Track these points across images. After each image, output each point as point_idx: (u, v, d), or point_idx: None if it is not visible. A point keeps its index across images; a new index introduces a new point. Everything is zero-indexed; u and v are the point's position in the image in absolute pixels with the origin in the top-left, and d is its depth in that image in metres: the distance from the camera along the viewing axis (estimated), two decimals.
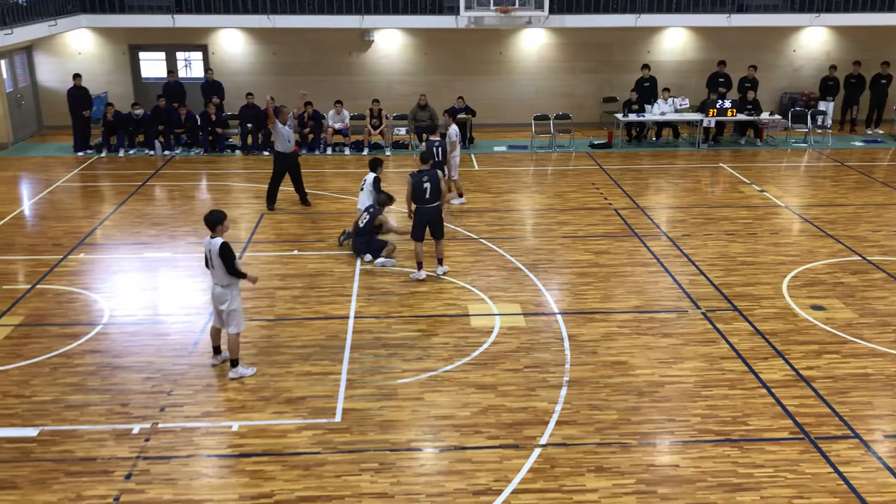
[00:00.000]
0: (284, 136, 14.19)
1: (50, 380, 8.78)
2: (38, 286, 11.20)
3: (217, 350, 9.15)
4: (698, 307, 10.70)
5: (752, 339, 9.82)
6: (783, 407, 8.33)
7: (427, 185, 11.19)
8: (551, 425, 8.00)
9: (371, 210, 12.44)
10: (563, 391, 8.62)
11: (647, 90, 20.18)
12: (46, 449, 7.57)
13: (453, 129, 14.91)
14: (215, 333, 9.13)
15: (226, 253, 8.49)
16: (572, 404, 8.37)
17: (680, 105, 19.90)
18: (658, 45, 21.59)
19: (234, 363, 8.88)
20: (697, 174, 17.41)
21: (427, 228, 11.43)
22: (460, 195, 15.21)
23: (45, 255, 12.36)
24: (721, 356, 9.40)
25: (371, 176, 12.82)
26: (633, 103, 19.84)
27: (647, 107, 19.85)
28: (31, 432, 7.82)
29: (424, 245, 11.61)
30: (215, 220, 8.61)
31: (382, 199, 12.62)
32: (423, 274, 11.54)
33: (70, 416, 8.09)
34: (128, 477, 7.17)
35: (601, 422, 8.07)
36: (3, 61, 18.94)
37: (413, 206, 11.43)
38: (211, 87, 19.48)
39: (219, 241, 8.54)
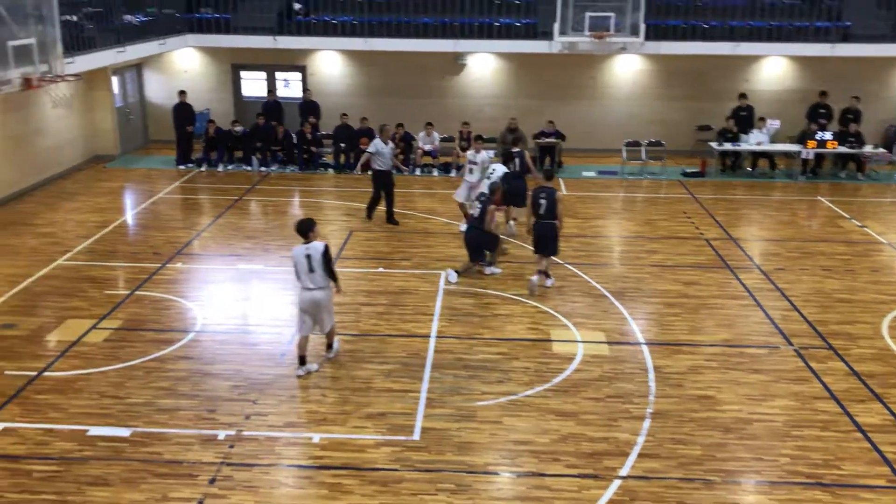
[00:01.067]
0: (385, 154, 14.63)
1: (143, 383, 9.12)
2: (136, 292, 11.69)
3: (302, 360, 9.34)
4: (791, 344, 10.33)
5: (847, 379, 9.40)
6: (880, 453, 7.93)
7: (543, 202, 11.68)
8: (633, 457, 7.83)
9: (482, 199, 12.50)
10: (647, 423, 8.43)
11: (743, 119, 19.71)
12: (137, 449, 7.86)
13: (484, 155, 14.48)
14: (304, 343, 9.35)
15: (328, 254, 9.09)
16: (655, 437, 8.18)
17: (770, 125, 19.35)
18: (756, 73, 21.08)
19: (330, 346, 9.70)
20: (794, 207, 16.86)
21: (539, 244, 11.94)
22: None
23: (144, 262, 12.90)
24: (814, 396, 9.03)
25: (501, 168, 13.62)
26: (728, 132, 19.40)
27: (743, 136, 19.37)
28: (124, 432, 8.14)
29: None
30: (307, 227, 9.17)
31: (495, 185, 12.91)
32: (548, 282, 12.08)
33: (160, 419, 8.38)
34: (212, 482, 7.37)
35: (685, 456, 7.86)
36: (115, 78, 19.96)
37: (532, 221, 11.94)
38: (308, 106, 20.03)
39: (321, 244, 9.13)
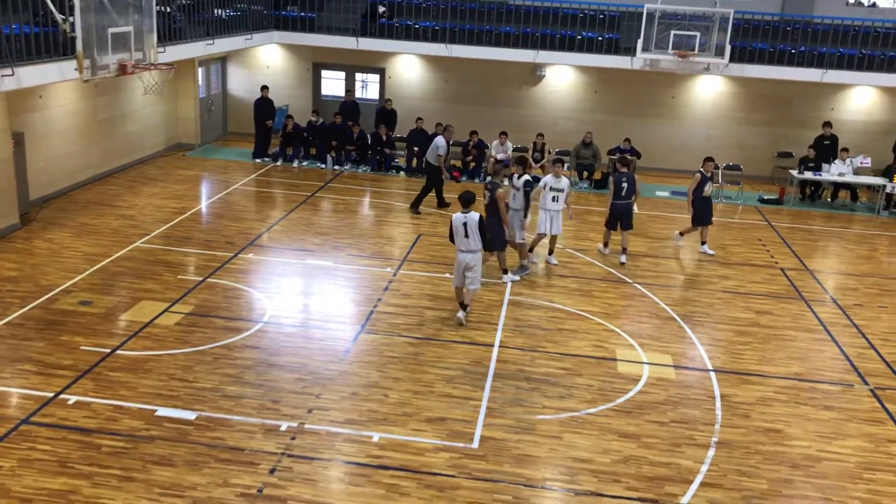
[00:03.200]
0: (434, 148, 16.07)
1: (211, 368, 9.30)
2: (208, 280, 11.94)
3: (463, 306, 10.92)
4: (866, 382, 9.98)
5: None
6: None
7: (625, 184, 13.62)
8: (695, 485, 7.66)
9: (489, 185, 12.59)
10: (711, 452, 8.24)
11: (826, 148, 19.17)
12: (201, 433, 8.01)
13: (520, 181, 13.14)
14: (458, 292, 11.03)
15: (482, 224, 10.63)
16: (720, 467, 7.99)
17: (861, 163, 18.76)
18: (843, 102, 20.49)
19: (464, 307, 10.97)
20: (875, 241, 16.31)
21: (619, 221, 13.81)
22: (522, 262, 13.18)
23: (217, 251, 13.17)
24: (888, 438, 8.70)
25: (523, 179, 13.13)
26: (810, 161, 18.89)
27: (825, 166, 18.84)
28: (190, 415, 8.30)
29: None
30: (471, 199, 10.67)
31: (498, 168, 12.96)
32: (606, 249, 14.26)
33: (226, 406, 8.53)
34: (272, 471, 7.46)
35: (749, 489, 7.64)
36: (200, 69, 20.48)
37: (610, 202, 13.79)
38: (384, 114, 20.13)
39: (477, 214, 10.61)
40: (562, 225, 13.49)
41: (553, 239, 13.59)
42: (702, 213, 14.41)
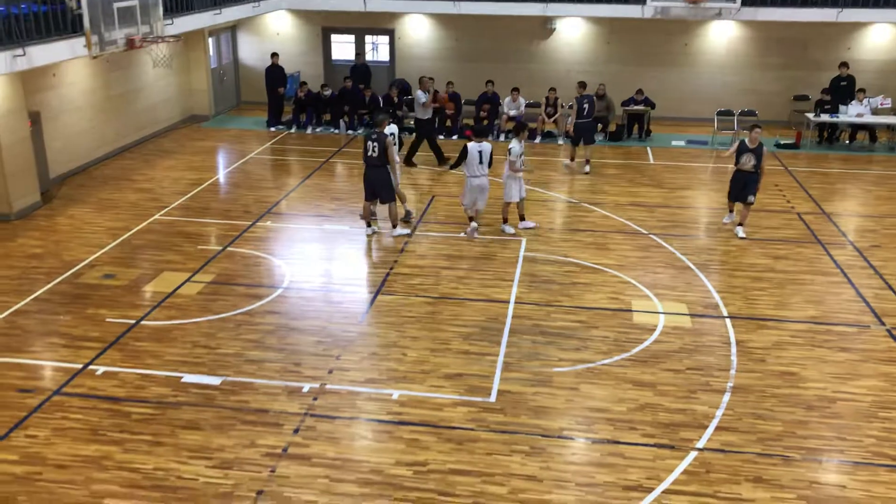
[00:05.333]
0: (416, 101, 16.52)
1: (233, 335, 9.53)
2: (228, 248, 12.14)
3: (471, 219, 12.65)
4: (882, 323, 10.01)
5: None
6: None
7: (586, 105, 16.02)
8: (710, 430, 7.79)
9: (375, 136, 12.27)
10: (726, 397, 8.35)
11: (843, 90, 18.88)
12: (227, 397, 8.25)
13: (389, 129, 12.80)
14: (470, 211, 12.70)
15: (492, 153, 12.52)
16: (735, 411, 8.10)
17: (881, 104, 18.49)
18: (860, 42, 20.11)
19: (472, 219, 12.67)
20: (894, 182, 16.15)
21: (582, 138, 16.19)
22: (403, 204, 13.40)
23: (236, 220, 13.35)
24: None
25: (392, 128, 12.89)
26: (826, 103, 18.64)
27: (842, 107, 18.58)
28: (215, 381, 8.54)
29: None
30: (486, 131, 13.21)
31: (380, 119, 12.53)
32: (572, 163, 16.50)
33: (249, 370, 8.76)
34: (296, 431, 7.69)
35: (764, 432, 7.77)
36: (210, 39, 20.52)
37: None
38: (396, 83, 20.01)
39: (489, 145, 12.44)
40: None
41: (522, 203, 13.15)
42: (732, 187, 12.98)
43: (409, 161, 16.57)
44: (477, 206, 12.66)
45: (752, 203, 12.72)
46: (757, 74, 20.58)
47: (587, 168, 16.12)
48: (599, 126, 18.37)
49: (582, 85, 16.83)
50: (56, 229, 12.86)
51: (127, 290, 10.69)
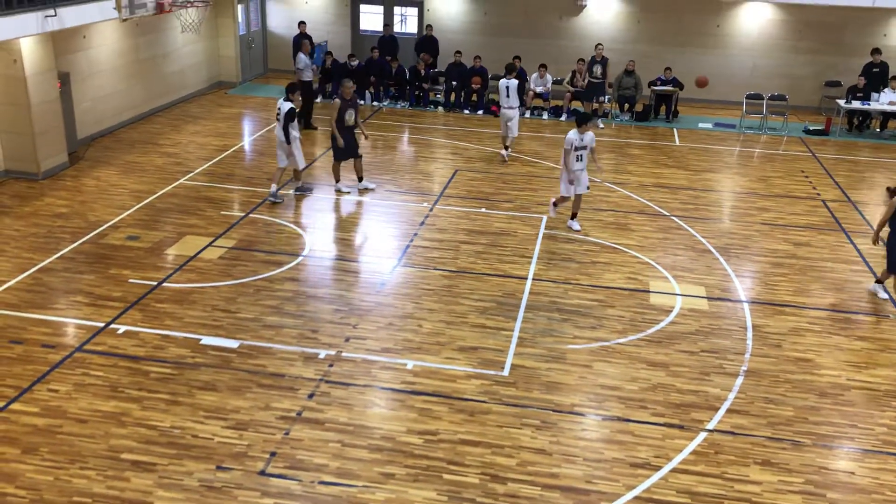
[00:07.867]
0: (301, 65, 17.02)
1: (253, 300, 9.65)
2: (250, 215, 12.25)
3: (506, 147, 15.07)
4: None
5: None
6: None
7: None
8: (721, 412, 7.81)
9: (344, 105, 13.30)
10: (740, 380, 8.36)
11: (876, 76, 18.57)
12: (244, 361, 8.38)
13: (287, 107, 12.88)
14: (504, 140, 15.20)
15: (522, 86, 15.30)
16: (747, 395, 8.12)
17: None
18: None
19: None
20: None
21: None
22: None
23: (258, 187, 13.45)
24: None
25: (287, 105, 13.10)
26: (858, 90, 18.37)
27: (875, 95, 18.30)
28: (233, 344, 8.67)
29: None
30: (513, 68, 14.98)
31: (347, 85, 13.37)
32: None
33: (266, 335, 8.88)
34: (310, 396, 7.81)
35: (775, 416, 7.78)
36: (240, 6, 20.54)
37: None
38: (426, 42, 20.02)
39: (516, 80, 14.91)
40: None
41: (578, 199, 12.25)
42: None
43: (308, 125, 17.08)
44: (511, 135, 15.09)
45: None
46: (789, 58, 20.29)
47: (600, 124, 18.03)
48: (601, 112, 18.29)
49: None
50: (82, 190, 13.03)
51: (150, 252, 10.84)
